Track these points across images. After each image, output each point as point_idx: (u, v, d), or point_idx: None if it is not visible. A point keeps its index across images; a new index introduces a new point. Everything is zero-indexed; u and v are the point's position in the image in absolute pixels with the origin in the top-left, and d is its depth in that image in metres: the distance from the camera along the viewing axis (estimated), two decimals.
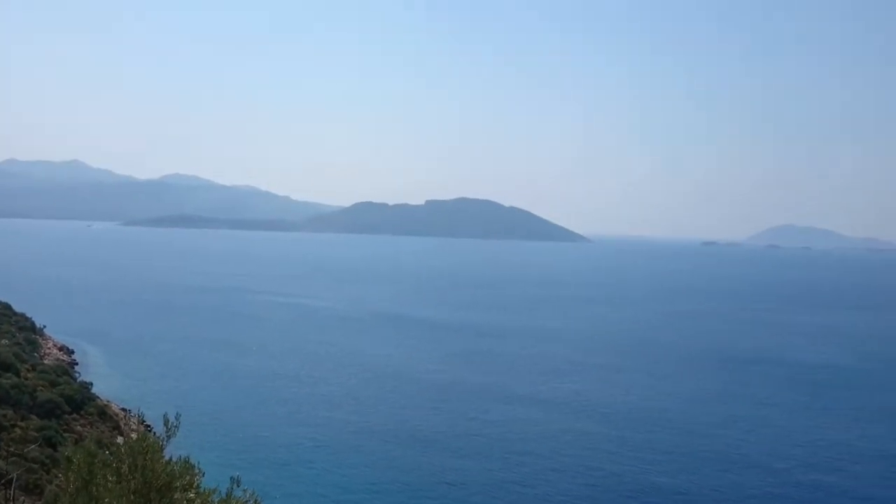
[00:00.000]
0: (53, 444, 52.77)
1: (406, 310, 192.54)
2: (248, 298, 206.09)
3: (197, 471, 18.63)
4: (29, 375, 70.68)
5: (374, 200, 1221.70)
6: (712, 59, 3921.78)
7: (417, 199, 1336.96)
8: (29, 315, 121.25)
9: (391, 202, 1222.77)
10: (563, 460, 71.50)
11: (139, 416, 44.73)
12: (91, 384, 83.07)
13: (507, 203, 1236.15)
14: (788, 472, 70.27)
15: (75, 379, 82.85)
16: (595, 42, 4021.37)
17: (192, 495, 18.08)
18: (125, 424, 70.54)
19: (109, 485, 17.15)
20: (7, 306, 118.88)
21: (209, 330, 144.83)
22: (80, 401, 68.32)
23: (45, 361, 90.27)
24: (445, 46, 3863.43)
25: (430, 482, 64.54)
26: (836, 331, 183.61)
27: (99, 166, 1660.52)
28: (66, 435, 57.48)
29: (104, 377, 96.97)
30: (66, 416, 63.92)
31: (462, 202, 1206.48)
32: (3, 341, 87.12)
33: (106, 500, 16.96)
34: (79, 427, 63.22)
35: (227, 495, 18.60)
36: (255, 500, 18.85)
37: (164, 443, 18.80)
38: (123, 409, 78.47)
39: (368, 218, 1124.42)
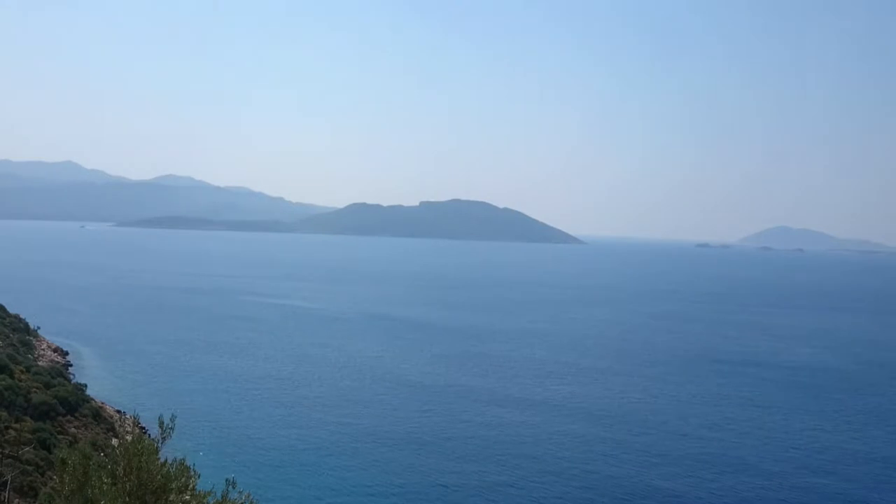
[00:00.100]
0: (48, 446, 52.63)
1: (399, 311, 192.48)
2: (241, 300, 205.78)
3: (192, 473, 18.71)
4: (23, 377, 70.44)
5: (368, 202, 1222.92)
6: (706, 61, 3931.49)
7: (411, 201, 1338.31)
8: (23, 317, 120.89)
9: (385, 203, 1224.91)
10: (557, 462, 71.60)
11: (134, 418, 44.63)
12: (85, 386, 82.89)
13: (500, 204, 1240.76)
14: (783, 475, 70.49)
15: (70, 381, 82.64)
16: (588, 45, 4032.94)
17: (187, 497, 18.15)
18: (120, 426, 70.37)
19: (104, 487, 17.19)
20: (1, 308, 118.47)
21: (203, 332, 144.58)
22: (75, 403, 68.18)
23: (40, 363, 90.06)
24: (440, 49, 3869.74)
25: (424, 484, 64.54)
26: (829, 333, 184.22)
27: (93, 167, 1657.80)
28: (60, 437, 57.36)
29: (98, 379, 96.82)
30: (61, 417, 63.78)
31: (456, 203, 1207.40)
32: None
33: (101, 502, 17.00)
34: (73, 429, 63.10)
35: (222, 497, 18.67)
36: (251, 502, 18.93)
37: (160, 445, 18.87)
38: (118, 411, 78.35)
39: (362, 219, 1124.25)
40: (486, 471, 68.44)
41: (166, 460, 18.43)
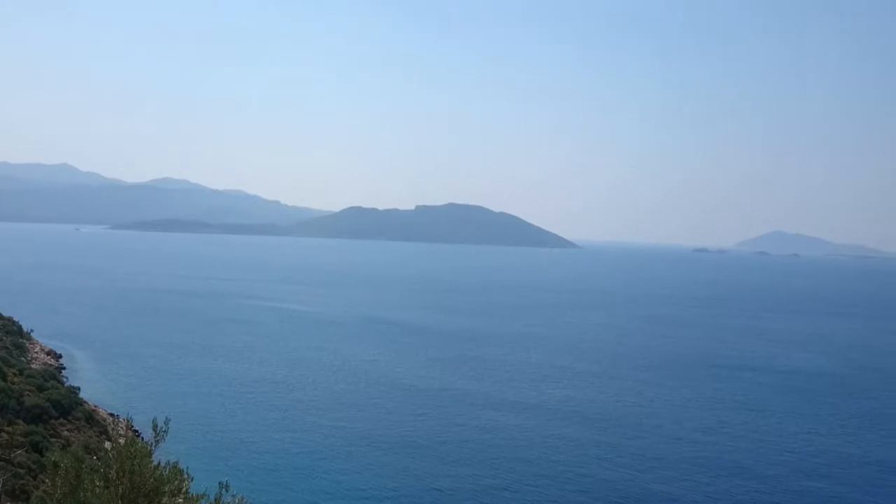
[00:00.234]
0: (40, 449, 52.41)
1: (395, 315, 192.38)
2: (237, 303, 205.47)
3: (185, 476, 18.65)
4: (16, 380, 70.21)
5: (363, 205, 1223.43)
6: (706, 61, 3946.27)
7: (407, 205, 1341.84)
8: (16, 319, 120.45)
9: (381, 207, 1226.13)
10: (552, 466, 71.58)
11: (127, 421, 44.35)
12: (78, 389, 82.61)
13: (496, 209, 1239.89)
14: (777, 478, 70.59)
15: (63, 384, 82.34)
16: (584, 48, 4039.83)
17: (180, 500, 18.10)
18: (113, 429, 70.07)
19: (97, 490, 17.13)
20: None
21: (198, 335, 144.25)
22: (68, 406, 67.93)
23: (33, 366, 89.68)
24: (436, 53, 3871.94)
25: (418, 488, 64.46)
26: (824, 338, 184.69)
27: (88, 170, 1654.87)
28: (53, 440, 57.13)
29: (92, 382, 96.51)
30: (54, 420, 63.55)
31: (452, 207, 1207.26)
32: None
33: None
34: (66, 432, 62.86)
35: (215, 500, 18.62)
36: None
37: (153, 448, 18.80)
38: (111, 414, 78.07)
39: (358, 223, 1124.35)
40: (480, 474, 68.38)
41: (159, 463, 18.38)
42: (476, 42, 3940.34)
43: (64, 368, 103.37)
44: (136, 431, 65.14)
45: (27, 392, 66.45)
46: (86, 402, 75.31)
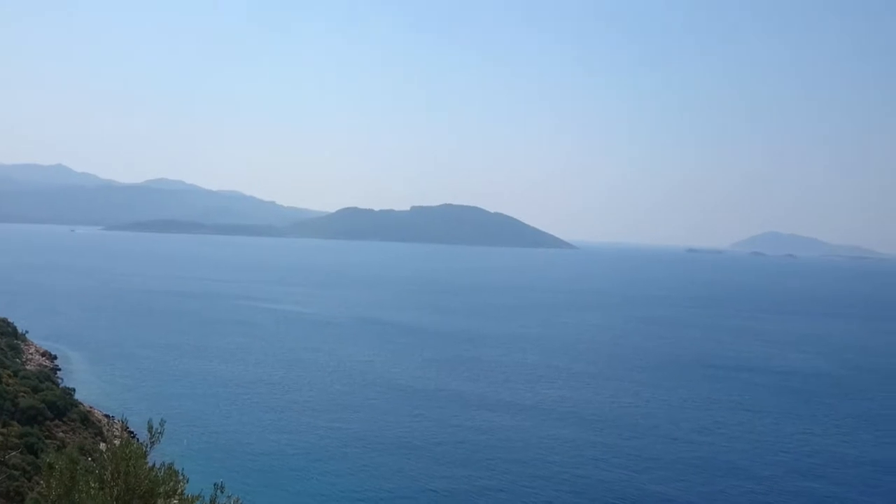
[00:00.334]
0: (35, 450, 52.25)
1: (390, 315, 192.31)
2: (232, 304, 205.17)
3: (181, 477, 18.57)
4: (10, 381, 70.00)
5: (359, 206, 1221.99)
6: (706, 62, 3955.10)
7: (403, 205, 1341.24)
8: (11, 320, 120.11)
9: (377, 208, 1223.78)
10: (547, 467, 71.59)
11: (122, 423, 44.37)
12: (74, 390, 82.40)
13: (492, 209, 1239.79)
14: (773, 479, 70.71)
15: (58, 385, 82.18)
16: (580, 49, 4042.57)
17: (175, 502, 18.03)
18: (108, 431, 69.79)
19: (92, 491, 17.05)
20: None
21: (193, 336, 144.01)
22: (63, 407, 67.77)
23: (27, 367, 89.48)
24: (435, 53, 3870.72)
25: (413, 489, 64.43)
26: (820, 339, 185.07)
27: (83, 170, 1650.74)
28: (48, 441, 56.96)
29: (87, 383, 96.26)
30: (49, 422, 63.39)
31: (448, 208, 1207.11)
32: None
33: None
34: (61, 433, 62.70)
35: (210, 502, 18.55)
36: None
37: (148, 449, 18.72)
38: (106, 416, 77.85)
39: (354, 224, 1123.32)
40: (475, 475, 68.36)
41: (154, 465, 18.31)
42: (475, 42, 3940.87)
43: (59, 370, 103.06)
44: (132, 433, 65.09)
45: (22, 393, 66.26)
46: (81, 404, 75.16)
